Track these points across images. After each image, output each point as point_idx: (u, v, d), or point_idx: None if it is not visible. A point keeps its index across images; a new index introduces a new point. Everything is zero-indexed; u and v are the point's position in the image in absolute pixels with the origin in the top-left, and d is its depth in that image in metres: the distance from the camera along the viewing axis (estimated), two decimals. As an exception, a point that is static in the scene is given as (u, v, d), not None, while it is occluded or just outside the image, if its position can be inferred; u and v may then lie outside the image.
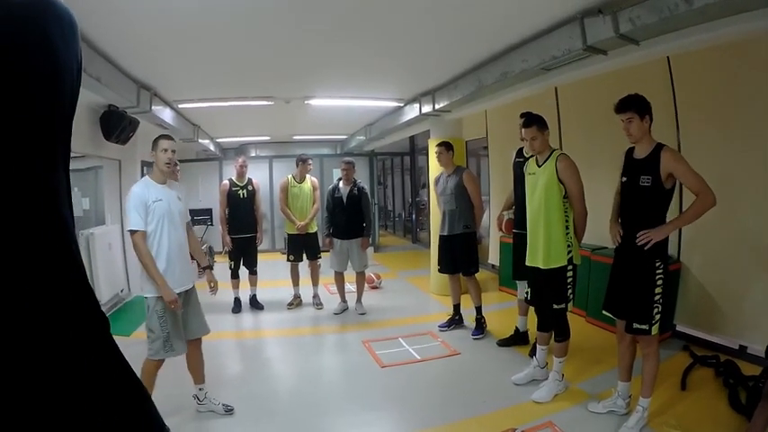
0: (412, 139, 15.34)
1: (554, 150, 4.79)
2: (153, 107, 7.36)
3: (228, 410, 4.56)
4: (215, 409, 4.54)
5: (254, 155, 15.50)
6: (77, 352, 0.76)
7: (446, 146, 6.76)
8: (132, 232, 4.03)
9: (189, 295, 4.39)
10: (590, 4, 4.30)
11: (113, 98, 6.38)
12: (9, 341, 0.65)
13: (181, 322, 4.24)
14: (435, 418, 4.47)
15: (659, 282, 3.94)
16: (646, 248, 3.88)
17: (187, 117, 9.95)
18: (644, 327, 3.95)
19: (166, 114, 8.22)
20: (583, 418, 4.33)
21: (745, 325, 5.37)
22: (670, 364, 5.27)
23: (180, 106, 8.60)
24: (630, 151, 4.13)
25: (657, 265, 3.93)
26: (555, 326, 4.87)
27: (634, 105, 3.92)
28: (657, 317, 3.95)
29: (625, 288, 4.10)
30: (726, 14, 3.62)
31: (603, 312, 4.33)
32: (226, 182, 8.02)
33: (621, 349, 4.30)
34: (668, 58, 5.88)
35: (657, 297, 3.94)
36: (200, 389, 4.54)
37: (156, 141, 4.30)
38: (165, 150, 4.23)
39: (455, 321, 6.95)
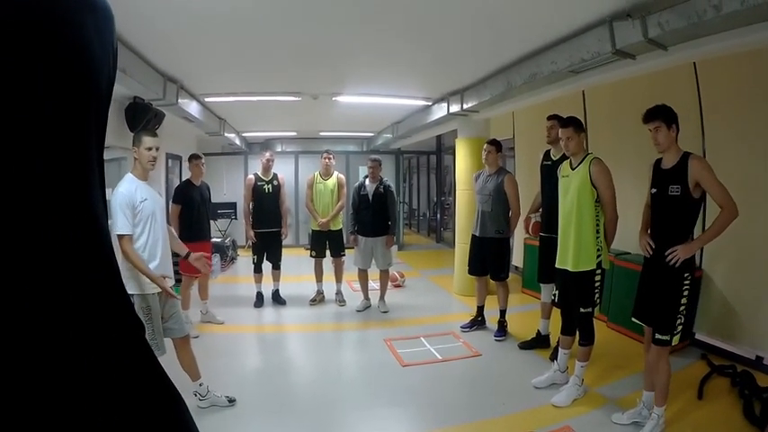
0: (438, 138, 15.27)
1: (588, 154, 4.77)
2: (179, 100, 7.40)
3: (231, 401, 4.58)
4: (218, 402, 4.54)
5: (279, 150, 15.42)
6: (113, 359, 0.75)
7: (495, 144, 6.62)
8: (120, 237, 3.90)
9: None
10: (619, 8, 4.28)
11: (139, 90, 6.41)
12: (38, 346, 0.66)
13: (160, 320, 4.20)
14: (454, 417, 4.47)
15: (686, 293, 3.93)
16: (677, 266, 3.87)
17: (213, 111, 9.97)
18: (665, 338, 3.94)
19: (193, 107, 8.26)
20: (601, 424, 4.32)
21: (762, 335, 5.32)
22: (688, 373, 5.24)
23: (206, 100, 8.64)
24: (658, 163, 4.12)
25: (686, 276, 3.92)
26: (580, 329, 4.85)
27: (661, 114, 3.93)
28: (680, 328, 3.95)
29: (653, 297, 4.08)
30: (753, 21, 3.60)
31: (633, 320, 4.31)
32: (251, 176, 8.04)
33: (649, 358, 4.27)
34: (694, 63, 5.82)
35: (682, 308, 3.94)
36: (199, 384, 4.51)
37: (139, 138, 4.22)
38: (150, 149, 4.17)
39: (477, 323, 6.93)
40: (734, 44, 4.15)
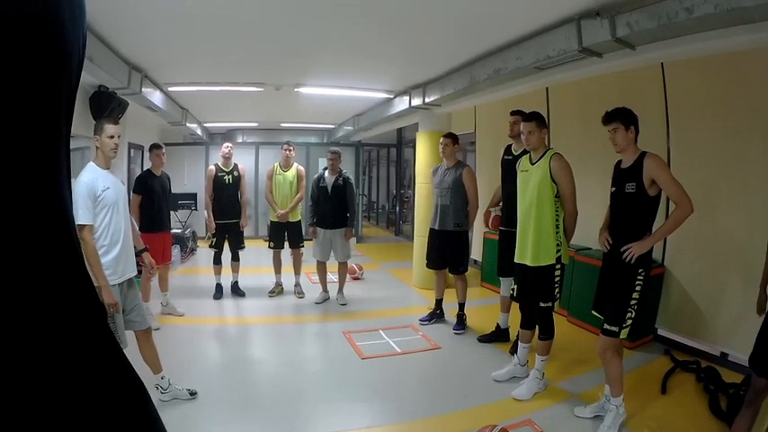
0: (399, 131, 15.33)
1: (549, 149, 4.80)
2: (143, 89, 7.29)
3: (192, 394, 4.54)
4: (179, 395, 4.49)
5: (240, 141, 15.37)
6: (75, 345, 0.73)
7: (452, 138, 6.67)
8: (81, 227, 3.77)
9: (131, 283, 4.28)
10: (588, 6, 4.32)
11: (104, 78, 6.30)
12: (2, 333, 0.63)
13: (122, 313, 4.09)
14: (415, 411, 4.49)
15: (638, 288, 4.00)
16: (631, 262, 3.94)
17: (176, 100, 9.86)
18: (614, 329, 4.02)
19: (156, 97, 8.16)
20: (563, 418, 4.37)
21: (726, 332, 5.45)
22: (651, 368, 5.35)
23: (170, 89, 8.54)
24: (619, 163, 4.20)
25: (640, 272, 3.99)
26: (540, 324, 4.90)
27: (620, 116, 4.01)
28: (629, 322, 4.01)
29: (608, 291, 4.16)
30: (725, 25, 3.64)
31: (593, 313, 4.37)
32: (212, 167, 7.99)
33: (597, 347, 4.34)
34: (662, 64, 5.91)
35: (633, 303, 4.00)
36: (161, 377, 4.45)
37: (101, 126, 4.11)
38: (112, 137, 4.07)
39: (436, 315, 6.98)
40: (703, 47, 4.23)
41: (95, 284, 3.81)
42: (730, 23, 3.61)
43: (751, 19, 3.48)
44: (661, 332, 6.24)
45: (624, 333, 4.03)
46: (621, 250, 3.98)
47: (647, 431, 4.11)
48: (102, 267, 3.88)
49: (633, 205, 4.01)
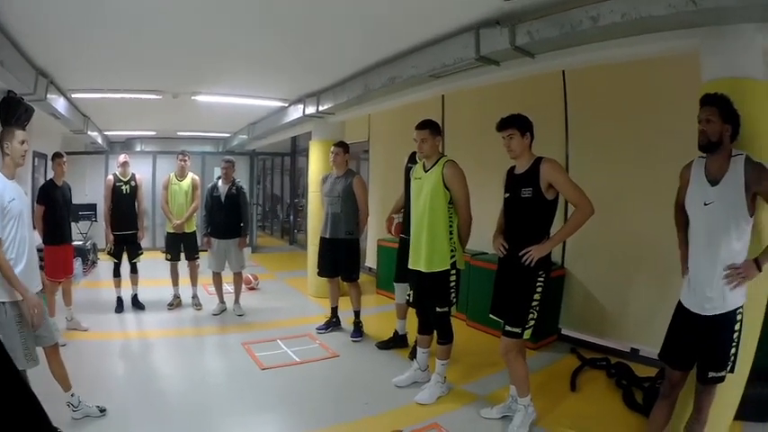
0: (294, 139, 15.31)
1: (442, 156, 4.85)
2: (48, 95, 6.98)
3: (102, 411, 4.37)
4: (90, 413, 4.32)
5: (139, 150, 15.09)
6: None
7: (343, 147, 6.70)
8: None
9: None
10: (489, 15, 4.38)
11: (14, 84, 5.98)
12: None
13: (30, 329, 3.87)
14: (319, 420, 4.44)
15: (539, 290, 4.08)
16: (531, 265, 4.00)
17: (79, 107, 9.53)
18: (516, 330, 4.08)
19: (60, 104, 7.82)
20: (469, 420, 4.43)
21: (635, 328, 5.70)
22: (558, 367, 5.55)
23: (73, 96, 8.26)
24: (512, 169, 4.27)
25: (540, 274, 4.07)
26: (438, 329, 4.94)
27: (516, 123, 4.09)
28: (532, 323, 4.09)
29: (507, 294, 4.21)
30: (632, 34, 3.76)
31: (491, 316, 4.40)
32: (110, 177, 7.77)
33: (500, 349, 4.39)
34: (563, 72, 6.11)
35: (535, 304, 4.08)
36: (71, 395, 4.26)
37: (10, 131, 3.92)
38: (23, 142, 3.89)
39: (333, 324, 6.96)
40: (607, 54, 4.35)
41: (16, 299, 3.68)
42: (637, 32, 3.73)
43: (658, 28, 3.62)
44: (565, 332, 6.49)
45: (527, 334, 4.10)
46: (520, 254, 4.02)
47: (560, 428, 4.22)
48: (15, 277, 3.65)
49: (530, 210, 4.06)
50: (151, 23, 4.91)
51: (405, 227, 5.93)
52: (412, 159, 5.91)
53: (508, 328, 4.12)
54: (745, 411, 3.78)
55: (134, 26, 4.99)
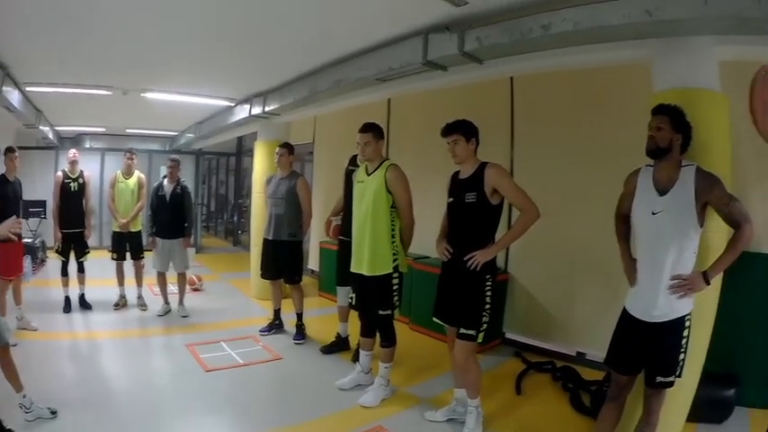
0: (239, 139, 15.23)
1: (385, 160, 4.86)
2: (4, 88, 6.80)
3: (53, 413, 4.28)
4: (42, 415, 4.22)
5: (88, 146, 14.79)
6: None
7: (288, 148, 6.66)
8: None
9: None
10: (439, 20, 4.41)
11: None
12: None
13: None
14: (266, 421, 4.43)
15: (488, 293, 4.08)
16: (477, 270, 4.01)
17: (32, 101, 9.28)
18: (471, 332, 4.05)
19: (14, 97, 7.61)
20: (414, 422, 4.44)
21: (581, 332, 5.80)
22: (503, 370, 5.61)
23: (28, 89, 8.06)
24: (456, 174, 4.28)
25: (487, 278, 4.08)
26: (381, 331, 4.95)
27: (461, 129, 4.09)
28: (485, 325, 4.09)
29: (455, 298, 4.19)
30: (584, 42, 3.80)
31: (434, 320, 4.40)
32: (59, 173, 7.59)
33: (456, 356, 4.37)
34: (511, 78, 6.19)
35: (487, 307, 4.08)
36: (23, 396, 4.17)
37: None
38: None
39: (276, 326, 6.91)
40: (554, 63, 4.40)
41: None
42: (589, 42, 3.78)
43: (611, 38, 3.68)
44: (509, 335, 6.55)
45: (481, 336, 4.09)
46: (465, 259, 4.02)
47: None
48: None
49: (475, 215, 4.07)
50: (101, 20, 4.85)
51: (344, 229, 5.91)
52: (353, 162, 5.89)
53: (463, 330, 4.08)
54: (700, 413, 3.90)
55: (86, 22, 4.92)
